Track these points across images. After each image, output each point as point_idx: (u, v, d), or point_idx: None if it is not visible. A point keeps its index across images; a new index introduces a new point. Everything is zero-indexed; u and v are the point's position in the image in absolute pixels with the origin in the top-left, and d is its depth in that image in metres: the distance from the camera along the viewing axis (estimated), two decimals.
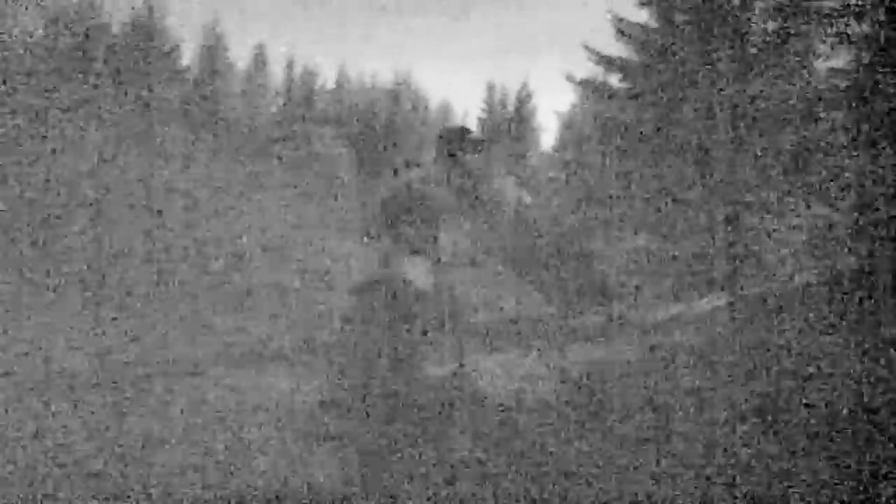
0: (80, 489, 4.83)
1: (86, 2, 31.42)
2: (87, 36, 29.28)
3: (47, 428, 6.75)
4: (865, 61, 13.12)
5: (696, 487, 4.32)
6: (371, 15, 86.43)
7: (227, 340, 14.45)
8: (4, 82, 22.03)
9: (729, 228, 14.19)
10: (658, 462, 4.65)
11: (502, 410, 1.89)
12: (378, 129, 44.57)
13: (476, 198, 1.92)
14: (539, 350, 13.72)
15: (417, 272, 1.89)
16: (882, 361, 6.32)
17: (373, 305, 1.90)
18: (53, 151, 20.89)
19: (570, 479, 4.31)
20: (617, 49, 15.32)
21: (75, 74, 25.73)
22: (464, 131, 2.01)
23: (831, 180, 13.48)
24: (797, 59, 14.16)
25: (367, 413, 1.82)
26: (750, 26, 14.25)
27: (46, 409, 7.61)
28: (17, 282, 15.38)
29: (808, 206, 13.76)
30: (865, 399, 5.45)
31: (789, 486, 4.21)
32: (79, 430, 6.67)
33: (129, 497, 4.72)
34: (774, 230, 14.35)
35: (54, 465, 5.40)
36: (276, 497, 4.68)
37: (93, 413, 7.55)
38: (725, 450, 4.85)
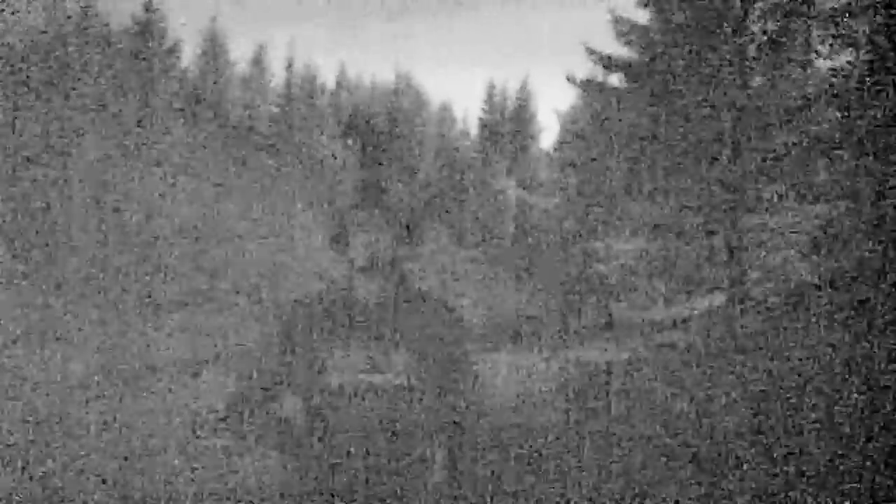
0: (83, 487, 4.83)
1: (86, 2, 31.42)
2: (86, 37, 29.28)
3: (50, 427, 6.74)
4: (865, 61, 13.11)
5: (696, 486, 4.32)
6: (371, 15, 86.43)
7: (226, 342, 14.43)
8: (5, 81, 22.03)
9: (729, 228, 14.17)
10: (658, 461, 4.65)
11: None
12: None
13: (382, 189, 1.91)
14: (538, 351, 13.71)
15: (368, 282, 1.90)
16: (883, 361, 6.32)
17: (303, 317, 1.91)
18: (55, 153, 20.90)
19: (568, 479, 4.32)
20: (617, 49, 15.31)
21: (76, 75, 25.73)
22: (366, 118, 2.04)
23: (833, 180, 13.47)
24: (797, 58, 14.15)
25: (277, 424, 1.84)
26: (750, 26, 14.23)
27: (48, 408, 7.60)
28: (18, 282, 15.38)
29: (809, 205, 13.74)
30: (866, 398, 5.44)
31: (790, 484, 4.21)
32: (81, 429, 6.67)
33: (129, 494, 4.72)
34: (774, 230, 14.34)
35: (57, 464, 5.39)
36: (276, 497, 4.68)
37: (91, 412, 7.54)
38: (727, 450, 4.85)
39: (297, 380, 1.85)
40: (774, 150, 13.91)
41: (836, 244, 12.65)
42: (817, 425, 5.09)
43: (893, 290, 9.13)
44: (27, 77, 23.32)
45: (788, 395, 5.95)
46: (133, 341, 13.20)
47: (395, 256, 1.85)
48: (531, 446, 5.11)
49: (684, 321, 15.38)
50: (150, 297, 17.06)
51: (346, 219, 1.86)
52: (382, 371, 1.80)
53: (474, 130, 49.69)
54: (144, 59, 34.04)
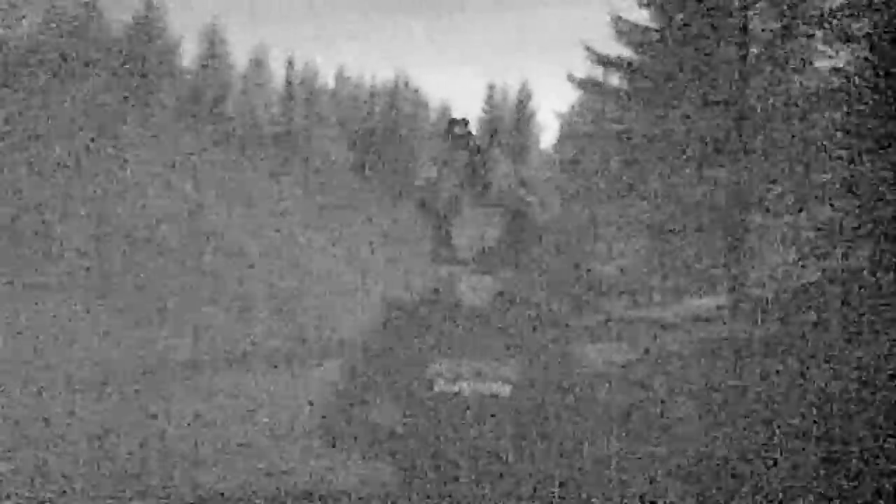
0: (85, 487, 4.82)
1: (86, 2, 31.42)
2: (86, 36, 29.29)
3: (52, 426, 6.74)
4: (865, 61, 13.10)
5: (694, 487, 4.32)
6: (371, 15, 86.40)
7: (226, 341, 14.44)
8: (5, 84, 22.04)
9: (729, 228, 14.17)
10: (656, 462, 4.65)
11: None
12: (378, 129, 44.54)
13: (484, 186, 1.82)
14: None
15: (469, 287, 1.79)
16: (883, 362, 6.31)
17: (406, 320, 1.81)
18: (55, 152, 20.90)
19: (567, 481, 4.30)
20: (617, 49, 15.32)
21: (75, 75, 25.73)
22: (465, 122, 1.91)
23: (833, 181, 13.46)
24: (797, 58, 14.15)
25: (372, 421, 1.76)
26: (750, 26, 14.23)
27: (50, 408, 7.60)
28: (17, 283, 15.38)
29: (809, 206, 13.74)
30: (866, 399, 5.44)
31: (789, 485, 4.20)
32: (83, 429, 6.66)
33: (130, 496, 4.71)
34: (775, 230, 14.33)
35: (58, 463, 5.39)
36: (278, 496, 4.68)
37: (94, 412, 7.54)
38: (727, 450, 4.85)
39: (397, 385, 1.76)
40: (775, 150, 13.91)
41: (836, 244, 12.65)
42: (819, 425, 5.08)
43: (894, 290, 9.13)
44: (25, 76, 23.31)
45: (789, 396, 5.95)
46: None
47: (509, 254, 1.74)
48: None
49: (684, 321, 15.37)
50: (148, 298, 17.06)
51: (447, 216, 1.76)
52: (487, 379, 1.71)
53: (474, 130, 49.65)
54: (144, 58, 34.03)
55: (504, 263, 1.77)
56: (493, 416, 1.72)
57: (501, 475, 1.71)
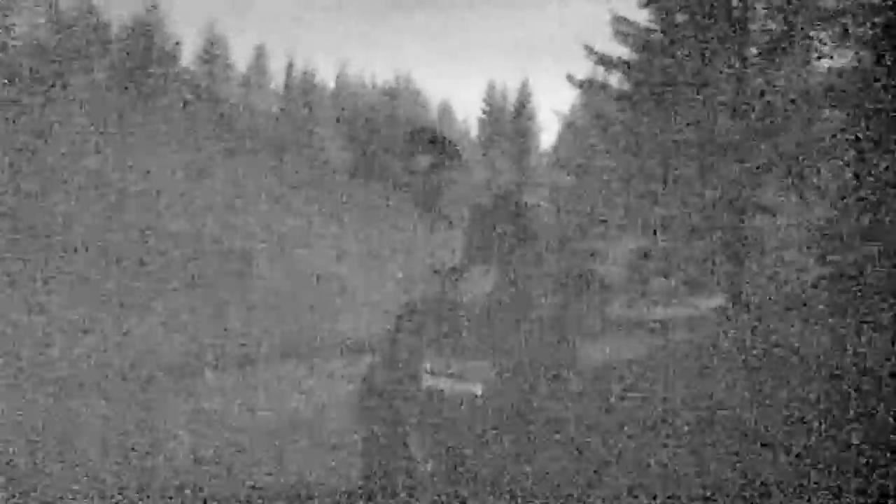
0: (84, 489, 4.83)
1: (86, 2, 31.45)
2: (87, 36, 29.31)
3: (51, 427, 6.74)
4: (866, 61, 13.12)
5: (695, 487, 4.32)
6: (371, 15, 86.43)
7: (227, 340, 14.44)
8: (6, 83, 22.06)
9: (729, 228, 14.18)
10: (659, 462, 4.65)
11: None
12: (378, 129, 44.54)
13: (432, 197, 1.85)
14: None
15: (468, 287, 1.83)
16: (882, 360, 6.32)
17: (411, 329, 1.86)
18: (53, 152, 20.91)
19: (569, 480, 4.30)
20: (617, 49, 15.35)
21: (75, 75, 25.74)
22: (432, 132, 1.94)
23: (833, 181, 13.48)
24: (797, 58, 14.16)
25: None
26: (750, 26, 14.24)
27: (49, 408, 7.61)
28: (15, 281, 15.39)
29: (809, 206, 13.76)
30: (865, 398, 5.45)
31: (790, 485, 4.21)
32: (83, 430, 6.67)
33: (129, 496, 4.72)
34: (775, 230, 14.34)
35: (58, 465, 5.40)
36: (278, 496, 4.68)
37: (95, 412, 7.54)
38: (725, 450, 4.85)
39: (399, 383, 1.83)
40: (775, 151, 13.92)
41: (836, 244, 12.66)
42: (818, 425, 5.09)
43: (893, 290, 9.14)
44: (25, 75, 23.33)
45: (788, 395, 5.96)
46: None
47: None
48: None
49: (684, 321, 15.37)
50: (146, 297, 17.06)
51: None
52: (471, 377, 1.74)
53: (474, 130, 49.73)
54: (144, 58, 34.05)
55: (500, 264, 1.79)
56: (471, 412, 1.74)
57: (468, 474, 1.73)
